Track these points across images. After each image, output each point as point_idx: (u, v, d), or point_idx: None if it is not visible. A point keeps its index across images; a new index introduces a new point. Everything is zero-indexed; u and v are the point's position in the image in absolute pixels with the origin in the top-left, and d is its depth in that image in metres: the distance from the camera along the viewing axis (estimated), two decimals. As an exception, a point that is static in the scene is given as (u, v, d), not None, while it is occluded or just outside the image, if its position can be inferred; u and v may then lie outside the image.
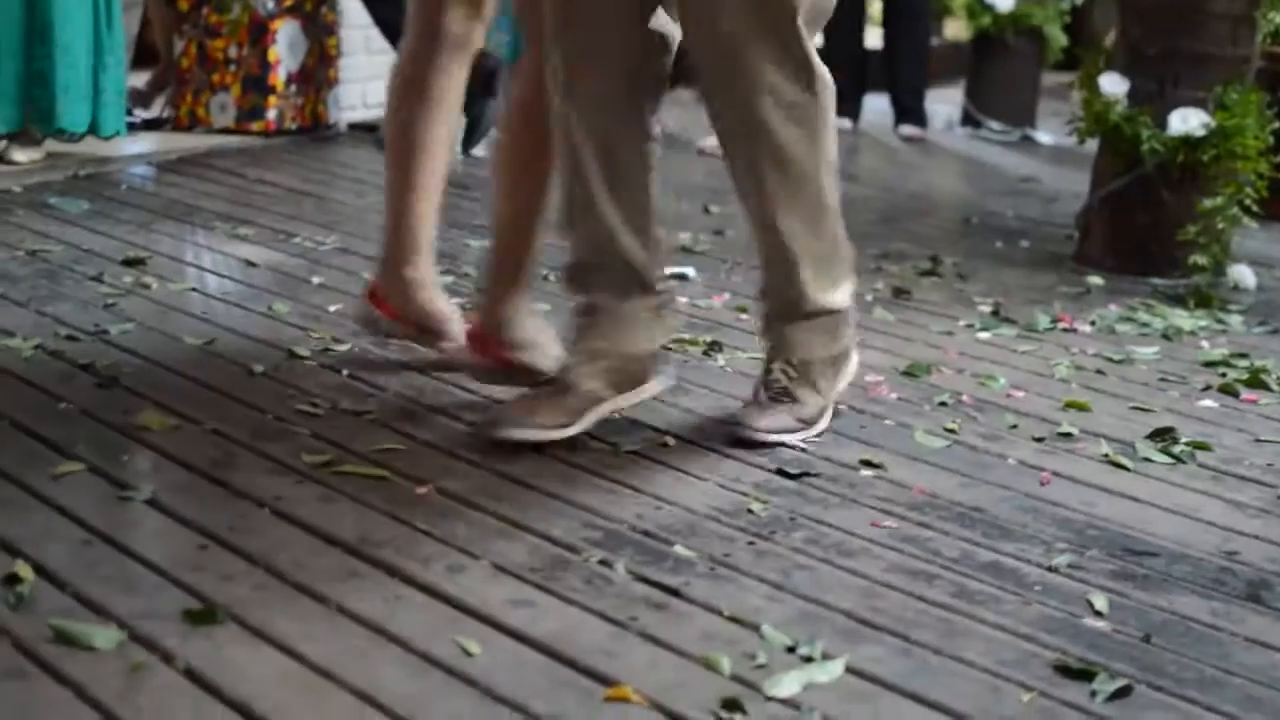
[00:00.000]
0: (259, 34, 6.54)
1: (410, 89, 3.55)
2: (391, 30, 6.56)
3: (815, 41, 3.23)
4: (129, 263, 4.41)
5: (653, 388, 3.37)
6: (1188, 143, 5.06)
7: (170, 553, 2.55)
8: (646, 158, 3.28)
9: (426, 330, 3.68)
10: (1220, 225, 5.05)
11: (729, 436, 3.29)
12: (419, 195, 3.60)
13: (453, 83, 3.57)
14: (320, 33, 6.80)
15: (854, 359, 3.49)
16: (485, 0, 3.53)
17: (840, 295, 3.39)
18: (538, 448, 3.15)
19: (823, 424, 3.38)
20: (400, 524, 2.75)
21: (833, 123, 3.30)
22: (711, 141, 6.80)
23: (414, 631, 2.33)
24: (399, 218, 3.63)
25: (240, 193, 5.53)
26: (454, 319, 3.69)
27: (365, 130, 6.96)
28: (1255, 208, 5.06)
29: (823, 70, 3.23)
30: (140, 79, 6.67)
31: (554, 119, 3.23)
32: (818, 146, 3.25)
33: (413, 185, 3.59)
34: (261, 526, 2.70)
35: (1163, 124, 5.09)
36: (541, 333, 3.54)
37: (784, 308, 3.37)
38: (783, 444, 3.28)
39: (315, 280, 4.36)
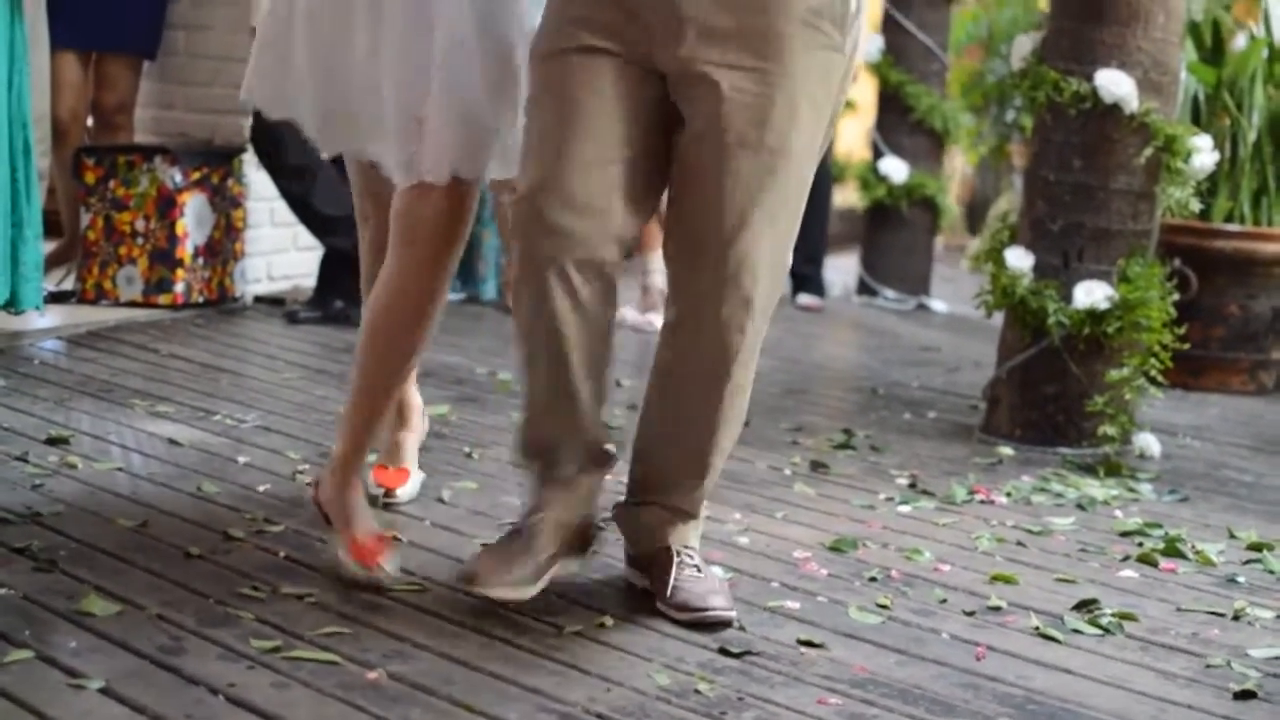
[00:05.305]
0: (166, 207, 6.55)
1: None
2: (297, 203, 6.62)
3: None
4: (52, 441, 4.40)
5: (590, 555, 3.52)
6: (1093, 315, 5.18)
7: (131, 744, 2.55)
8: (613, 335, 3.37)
9: None
10: (1127, 396, 5.16)
11: (694, 621, 3.33)
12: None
13: None
14: (227, 206, 6.83)
15: None
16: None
17: None
18: (492, 614, 3.17)
19: None
20: (356, 710, 2.76)
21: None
22: (629, 314, 6.88)
23: (384, 821, 2.35)
24: None
25: (154, 368, 5.52)
26: None
27: (271, 304, 6.97)
28: (1160, 378, 5.18)
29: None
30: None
31: (530, 299, 3.26)
32: (750, 366, 3.39)
33: None
34: (217, 714, 2.70)
35: (1068, 297, 5.21)
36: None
37: (688, 513, 3.53)
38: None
39: (241, 460, 4.36)
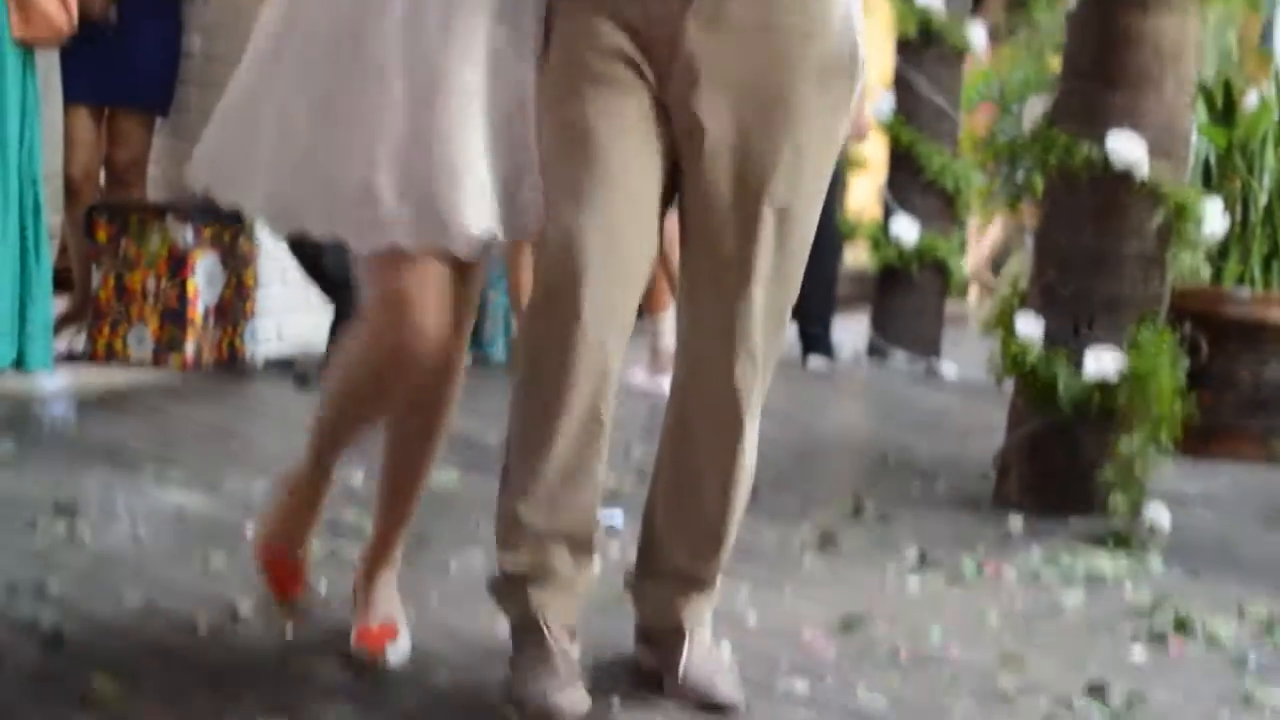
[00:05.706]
0: (178, 266, 6.57)
1: None
2: (307, 264, 6.60)
3: None
4: (60, 509, 4.39)
5: None
6: (1102, 388, 5.16)
7: (136, 836, 2.54)
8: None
9: None
10: (1136, 469, 5.15)
11: (702, 704, 3.31)
12: None
13: None
14: (238, 265, 6.84)
15: None
16: None
17: None
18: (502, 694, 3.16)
19: None
20: (362, 802, 2.76)
21: None
22: (639, 377, 6.87)
23: None
24: None
25: (164, 432, 5.52)
26: None
27: (281, 366, 6.94)
28: (1170, 448, 5.16)
29: None
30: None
31: (555, 354, 3.11)
32: (757, 419, 3.37)
33: None
34: (222, 803, 2.70)
35: (1078, 363, 5.20)
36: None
37: (704, 583, 3.47)
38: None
39: (249, 531, 4.35)
